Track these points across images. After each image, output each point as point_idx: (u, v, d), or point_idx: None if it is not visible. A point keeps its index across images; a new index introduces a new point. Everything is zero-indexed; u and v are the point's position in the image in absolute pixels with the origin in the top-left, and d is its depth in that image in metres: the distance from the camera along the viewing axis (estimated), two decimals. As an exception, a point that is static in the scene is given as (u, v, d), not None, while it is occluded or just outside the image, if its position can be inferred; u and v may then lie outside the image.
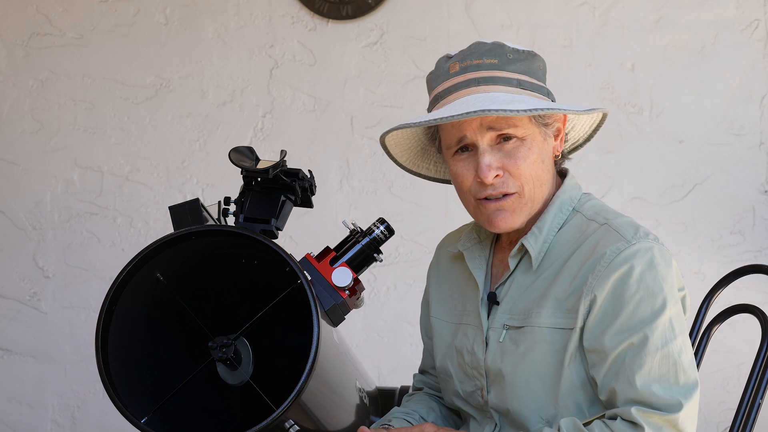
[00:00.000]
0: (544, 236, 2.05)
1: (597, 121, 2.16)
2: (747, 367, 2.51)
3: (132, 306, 2.06)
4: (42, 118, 4.10)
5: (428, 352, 2.31)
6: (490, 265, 2.15)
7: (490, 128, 2.00)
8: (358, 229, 2.19)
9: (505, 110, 1.93)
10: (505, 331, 2.05)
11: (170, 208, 2.10)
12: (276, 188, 2.14)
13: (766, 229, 3.63)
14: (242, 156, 2.09)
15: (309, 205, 2.20)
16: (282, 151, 2.13)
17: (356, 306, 2.17)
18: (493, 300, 2.08)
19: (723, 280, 2.66)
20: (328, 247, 2.17)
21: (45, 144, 4.09)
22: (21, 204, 4.11)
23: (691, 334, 2.65)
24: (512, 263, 2.07)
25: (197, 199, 2.11)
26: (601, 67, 3.73)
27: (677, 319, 1.97)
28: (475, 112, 1.93)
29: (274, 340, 2.12)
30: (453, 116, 1.95)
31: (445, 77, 2.06)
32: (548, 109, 1.97)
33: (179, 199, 3.91)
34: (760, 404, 2.42)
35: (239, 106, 3.98)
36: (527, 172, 2.02)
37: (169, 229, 2.11)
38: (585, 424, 1.94)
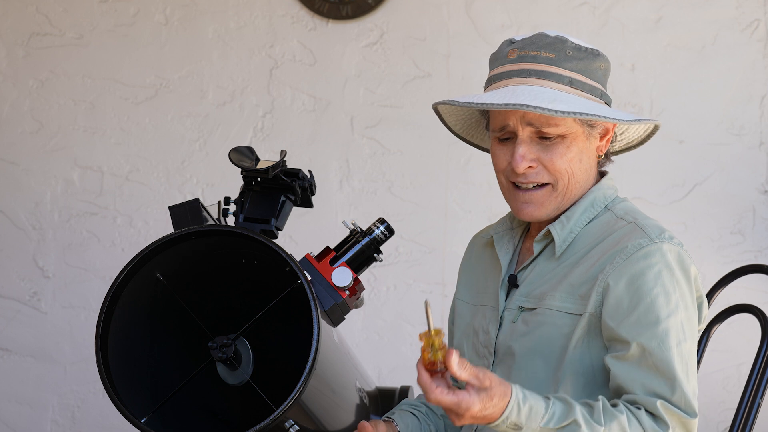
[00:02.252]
0: (571, 226, 2.08)
1: (651, 128, 2.18)
2: (747, 367, 2.52)
3: (132, 306, 2.07)
4: (42, 118, 4.10)
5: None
6: (519, 251, 2.18)
7: (530, 124, 2.03)
8: (358, 229, 2.19)
9: (543, 108, 1.96)
10: (519, 313, 2.08)
11: (170, 208, 2.10)
12: (276, 188, 2.14)
13: (766, 229, 3.63)
14: (242, 156, 2.09)
15: (309, 205, 2.20)
16: (282, 151, 2.13)
17: (356, 306, 2.17)
18: (513, 283, 2.12)
19: (723, 279, 2.66)
20: (328, 247, 2.17)
21: (45, 144, 4.09)
22: (21, 204, 4.11)
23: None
24: (537, 248, 2.11)
25: (197, 199, 2.11)
26: (601, 67, 3.73)
27: (688, 324, 1.98)
28: (514, 105, 1.96)
29: (274, 340, 2.12)
30: (492, 104, 1.99)
31: (502, 62, 2.08)
32: (585, 114, 1.98)
33: (179, 199, 3.91)
34: (759, 404, 2.43)
35: (239, 106, 3.98)
36: (562, 167, 2.05)
37: (169, 229, 2.11)
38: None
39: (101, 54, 4.06)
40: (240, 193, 2.15)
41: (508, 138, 2.07)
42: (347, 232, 2.20)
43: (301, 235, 3.64)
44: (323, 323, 2.03)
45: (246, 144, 3.60)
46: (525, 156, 2.04)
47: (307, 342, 1.97)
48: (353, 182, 3.90)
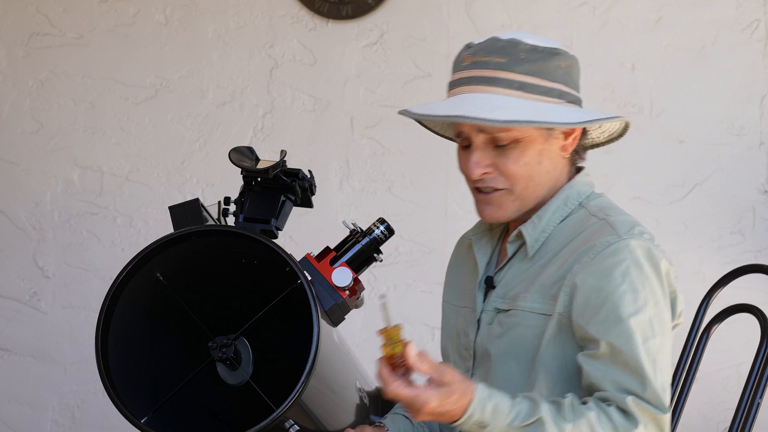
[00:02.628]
0: (543, 226, 2.07)
1: (625, 122, 2.17)
2: (747, 367, 2.51)
3: (132, 306, 2.06)
4: (42, 118, 4.10)
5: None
6: (498, 252, 2.18)
7: (482, 131, 2.02)
8: (358, 229, 2.19)
9: (482, 119, 1.95)
10: (496, 315, 2.07)
11: (170, 208, 2.10)
12: (276, 188, 2.14)
13: (766, 229, 3.63)
14: (242, 156, 2.09)
15: (309, 205, 2.20)
16: (282, 151, 2.13)
17: (356, 306, 2.17)
18: (490, 284, 2.11)
19: (722, 279, 2.66)
20: (328, 247, 2.17)
21: (45, 144, 4.09)
22: (21, 204, 4.11)
23: (690, 334, 2.65)
24: (510, 249, 2.10)
25: (197, 199, 2.11)
26: (601, 67, 3.73)
27: (658, 320, 1.97)
28: (454, 117, 1.97)
29: (274, 340, 2.12)
30: (435, 116, 2.00)
31: (459, 68, 2.08)
32: (525, 122, 1.96)
33: (179, 199, 3.90)
34: (759, 404, 2.43)
35: (239, 106, 3.98)
36: (518, 172, 2.04)
37: (169, 229, 2.11)
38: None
39: (101, 54, 4.06)
40: (240, 193, 2.15)
41: (469, 144, 2.07)
42: (347, 232, 2.20)
43: (301, 235, 3.64)
44: (323, 323, 2.03)
45: (246, 144, 3.60)
46: (479, 163, 2.03)
47: (307, 342, 1.97)
48: (353, 182, 3.90)
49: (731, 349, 3.55)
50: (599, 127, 2.17)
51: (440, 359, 2.35)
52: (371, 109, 3.88)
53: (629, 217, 2.06)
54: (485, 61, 2.03)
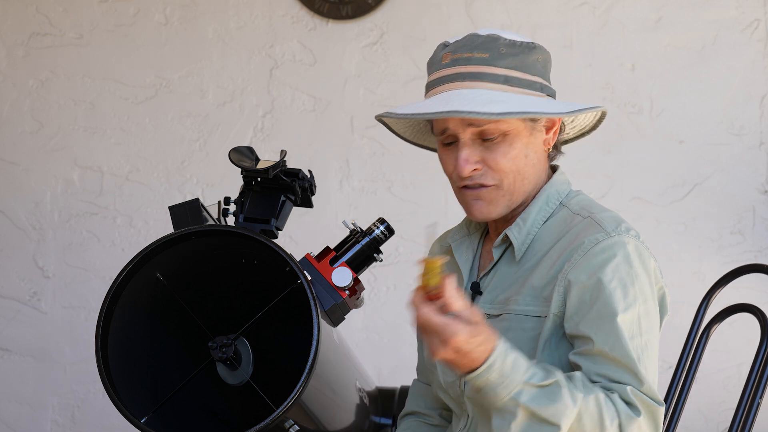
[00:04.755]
0: (528, 227, 2.05)
1: (599, 114, 2.16)
2: (747, 367, 2.51)
3: (132, 306, 2.07)
4: (42, 118, 4.10)
5: (420, 349, 2.31)
6: (478, 257, 2.16)
7: (471, 124, 2.01)
8: (358, 229, 2.19)
9: (478, 113, 1.94)
10: (486, 321, 2.05)
11: (170, 208, 2.10)
12: (276, 188, 2.14)
13: (766, 229, 3.63)
14: (242, 156, 2.10)
15: (309, 205, 2.20)
16: (282, 151, 2.13)
17: (356, 306, 2.17)
18: (476, 290, 2.09)
19: (722, 279, 2.66)
20: (328, 247, 2.17)
21: (45, 144, 4.09)
22: (21, 204, 4.11)
23: (690, 334, 2.65)
24: (496, 253, 2.08)
25: (197, 199, 2.11)
26: (601, 67, 3.73)
27: (646, 318, 1.96)
28: (449, 112, 1.95)
29: (274, 340, 2.12)
30: (428, 113, 1.97)
31: (438, 66, 2.06)
32: (522, 113, 1.97)
33: (179, 199, 3.91)
34: (759, 403, 2.42)
35: (239, 106, 3.98)
36: (507, 166, 2.02)
37: (169, 229, 2.11)
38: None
39: (101, 54, 4.06)
40: (240, 193, 2.15)
41: (452, 142, 2.05)
42: (347, 232, 2.20)
43: (301, 235, 3.64)
44: (323, 323, 2.03)
45: (246, 144, 3.60)
46: (468, 159, 2.01)
47: (307, 342, 1.97)
48: (353, 182, 3.90)
49: (732, 349, 3.55)
50: (572, 121, 2.16)
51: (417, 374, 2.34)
52: (371, 109, 3.88)
53: (612, 213, 2.05)
54: (467, 57, 2.02)
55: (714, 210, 3.66)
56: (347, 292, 2.12)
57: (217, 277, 2.13)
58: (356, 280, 2.13)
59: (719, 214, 3.65)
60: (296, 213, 2.25)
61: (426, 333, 1.82)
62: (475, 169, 2.02)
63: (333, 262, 2.12)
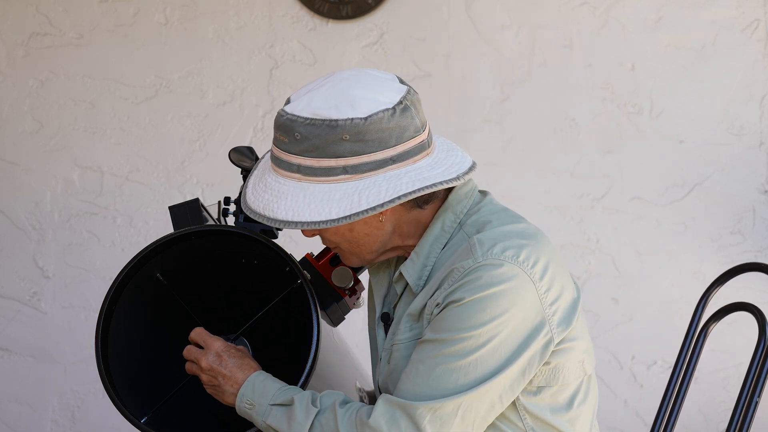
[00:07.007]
0: (423, 260, 1.92)
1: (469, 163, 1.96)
2: (747, 367, 2.52)
3: (132, 306, 2.07)
4: (42, 118, 4.10)
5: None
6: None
7: None
8: (358, 229, 2.18)
9: (273, 221, 1.85)
10: (390, 352, 1.97)
11: (170, 208, 2.10)
12: (276, 188, 2.13)
13: (766, 229, 3.63)
14: (242, 156, 2.09)
15: (309, 205, 2.19)
16: (282, 151, 2.13)
17: (356, 306, 2.17)
18: (386, 320, 2.01)
19: (720, 278, 2.65)
20: (328, 247, 2.17)
21: (45, 144, 4.10)
22: (21, 204, 4.11)
23: (688, 332, 2.64)
24: (398, 288, 1.98)
25: (197, 199, 2.11)
26: (601, 67, 3.73)
27: (491, 357, 1.81)
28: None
29: (274, 339, 2.12)
30: (248, 214, 1.89)
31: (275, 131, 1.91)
32: (284, 223, 1.83)
33: (179, 199, 3.91)
34: (757, 402, 2.42)
35: (239, 106, 3.98)
36: (335, 240, 1.93)
37: (169, 229, 2.11)
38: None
39: (101, 54, 4.06)
40: (240, 193, 2.15)
41: None
42: (347, 232, 2.20)
43: (301, 235, 3.64)
44: (323, 323, 2.03)
45: (246, 144, 3.60)
46: (306, 231, 1.91)
47: (307, 342, 1.97)
48: (353, 182, 3.90)
49: (731, 349, 3.55)
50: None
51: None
52: (371, 109, 3.88)
53: (503, 229, 1.87)
54: (276, 137, 1.85)
55: (714, 210, 3.66)
56: (347, 292, 2.12)
57: (217, 277, 2.13)
58: (356, 281, 2.13)
59: (719, 214, 3.65)
60: (296, 213, 2.24)
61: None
62: (311, 235, 1.93)
63: (333, 262, 2.12)
